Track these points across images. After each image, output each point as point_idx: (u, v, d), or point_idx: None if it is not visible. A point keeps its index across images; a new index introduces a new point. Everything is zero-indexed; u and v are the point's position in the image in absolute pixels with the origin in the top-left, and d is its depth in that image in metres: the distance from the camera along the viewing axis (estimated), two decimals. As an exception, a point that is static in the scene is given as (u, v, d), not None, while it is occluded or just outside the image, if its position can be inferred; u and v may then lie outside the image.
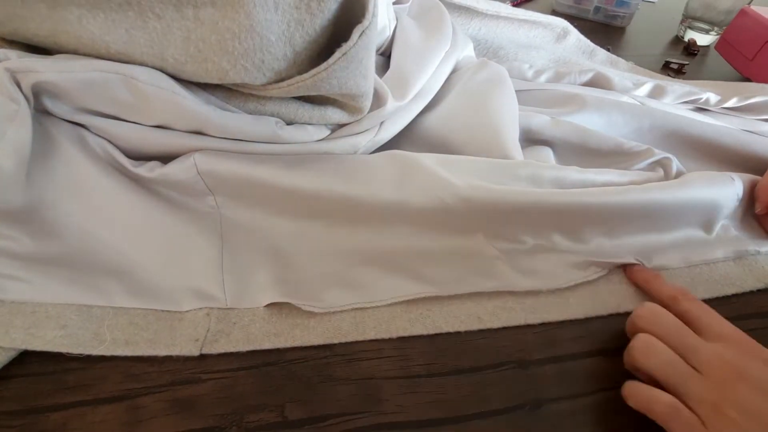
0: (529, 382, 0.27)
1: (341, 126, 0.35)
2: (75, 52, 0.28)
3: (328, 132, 0.35)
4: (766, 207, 0.31)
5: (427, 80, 0.39)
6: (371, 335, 0.29)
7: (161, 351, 0.27)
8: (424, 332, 0.29)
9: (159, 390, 0.26)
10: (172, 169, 0.31)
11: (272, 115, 0.32)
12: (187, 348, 0.27)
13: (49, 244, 0.28)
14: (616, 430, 0.26)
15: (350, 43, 0.28)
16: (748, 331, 0.25)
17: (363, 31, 0.28)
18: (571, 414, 0.26)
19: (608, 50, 0.58)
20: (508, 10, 0.50)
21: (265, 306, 0.29)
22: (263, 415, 0.25)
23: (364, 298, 0.30)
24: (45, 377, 0.25)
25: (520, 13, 0.52)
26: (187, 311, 0.29)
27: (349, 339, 0.28)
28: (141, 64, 0.28)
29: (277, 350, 0.28)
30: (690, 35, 0.65)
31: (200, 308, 0.29)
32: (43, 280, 0.28)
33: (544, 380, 0.27)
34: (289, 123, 0.34)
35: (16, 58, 0.28)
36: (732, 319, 0.26)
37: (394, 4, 0.46)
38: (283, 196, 0.32)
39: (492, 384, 0.27)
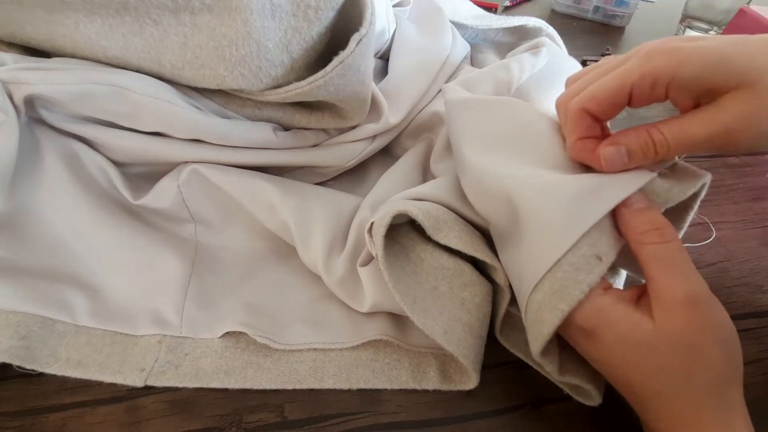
0: (529, 382, 0.27)
1: (338, 132, 0.35)
2: (72, 56, 0.28)
3: (326, 137, 0.35)
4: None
5: (420, 98, 0.39)
6: (329, 383, 0.26)
7: (108, 378, 0.25)
8: (388, 386, 0.27)
9: (158, 391, 0.26)
10: (158, 197, 0.31)
11: (270, 120, 0.33)
12: (132, 378, 0.25)
13: (22, 253, 0.28)
14: (616, 430, 0.26)
15: (348, 51, 0.28)
16: (745, 331, 0.25)
17: (360, 39, 0.28)
18: (571, 414, 0.26)
19: (607, 50, 0.58)
20: (499, 21, 0.49)
21: (221, 337, 0.28)
22: (263, 415, 0.25)
23: (326, 338, 0.28)
24: (44, 378, 0.26)
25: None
26: (141, 336, 0.27)
27: (305, 386, 0.26)
28: (138, 69, 0.28)
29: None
30: (689, 35, 0.65)
31: (153, 334, 0.27)
32: (7, 287, 0.26)
33: (544, 380, 0.27)
34: (286, 128, 0.34)
35: (12, 63, 0.28)
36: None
37: (394, 6, 0.46)
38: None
39: (492, 384, 0.27)
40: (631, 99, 0.22)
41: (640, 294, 0.22)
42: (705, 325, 0.20)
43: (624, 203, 0.22)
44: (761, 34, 0.21)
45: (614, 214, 0.22)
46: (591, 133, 0.24)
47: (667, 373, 0.20)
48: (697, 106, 0.22)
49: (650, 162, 0.22)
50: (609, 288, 0.22)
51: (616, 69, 0.23)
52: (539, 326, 0.22)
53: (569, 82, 0.26)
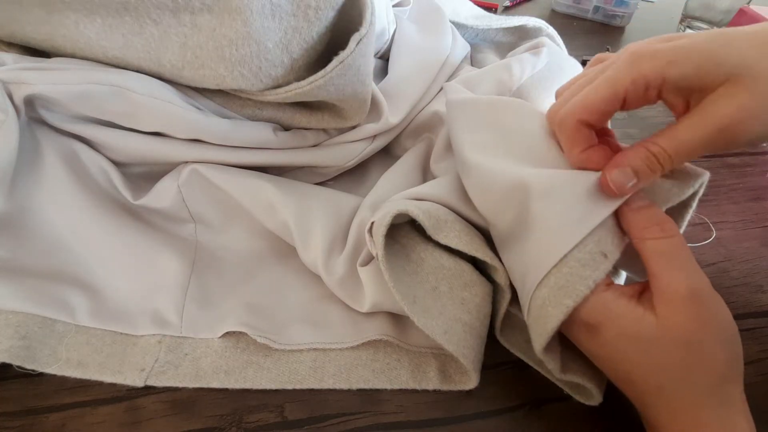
0: (529, 382, 0.27)
1: (338, 132, 0.35)
2: (72, 56, 0.28)
3: (326, 137, 0.35)
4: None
5: (420, 98, 0.39)
6: (329, 383, 0.26)
7: (108, 378, 0.25)
8: (388, 386, 0.27)
9: (158, 391, 0.26)
10: (158, 197, 0.31)
11: (270, 120, 0.33)
12: (132, 378, 0.25)
13: (22, 253, 0.28)
14: (616, 430, 0.26)
15: (347, 51, 0.28)
16: (745, 331, 0.25)
17: (360, 39, 0.28)
18: (571, 414, 0.26)
19: (607, 50, 0.58)
20: (499, 21, 0.49)
21: (221, 337, 0.27)
22: (263, 415, 0.25)
23: (326, 338, 0.28)
24: (44, 378, 0.26)
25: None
26: (141, 336, 0.27)
27: (305, 386, 0.26)
28: (137, 69, 0.28)
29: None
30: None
31: (153, 334, 0.27)
32: (7, 287, 0.26)
33: (544, 380, 0.27)
34: (286, 128, 0.34)
35: (12, 63, 0.28)
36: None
37: (394, 6, 0.46)
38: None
39: (492, 384, 0.27)
40: (624, 104, 0.22)
41: (642, 290, 0.22)
42: (707, 321, 0.20)
43: (626, 202, 0.22)
44: (742, 27, 0.21)
45: (617, 214, 0.23)
46: (590, 143, 0.24)
47: (669, 368, 0.20)
48: (688, 105, 0.22)
49: (658, 175, 0.22)
50: (611, 284, 0.22)
51: (602, 76, 0.22)
52: (543, 322, 0.22)
53: (557, 94, 0.26)
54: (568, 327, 0.23)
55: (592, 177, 0.23)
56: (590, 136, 0.24)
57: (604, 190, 0.22)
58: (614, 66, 0.22)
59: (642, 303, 0.21)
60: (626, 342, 0.21)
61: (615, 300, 0.21)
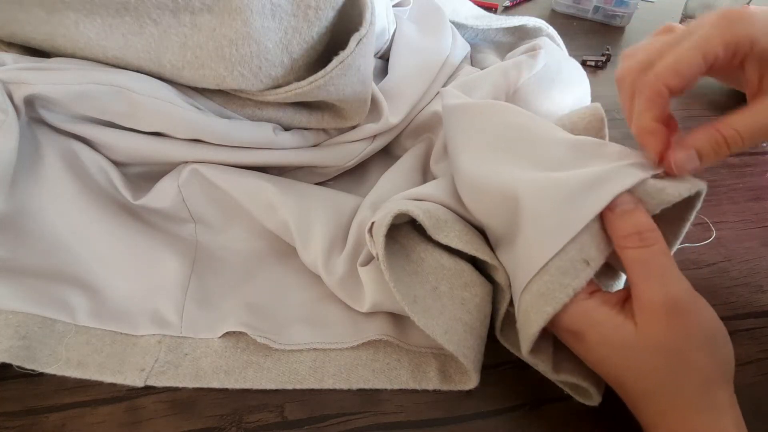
0: (529, 382, 0.27)
1: (338, 132, 0.35)
2: (72, 56, 0.28)
3: (326, 137, 0.35)
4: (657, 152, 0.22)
5: (420, 98, 0.39)
6: (329, 383, 0.26)
7: (108, 378, 0.25)
8: (388, 386, 0.27)
9: (158, 391, 0.26)
10: (158, 197, 0.31)
11: (270, 120, 0.33)
12: (132, 378, 0.25)
13: (22, 253, 0.28)
14: (616, 430, 0.26)
15: (347, 51, 0.28)
16: (745, 331, 0.25)
17: (360, 39, 0.28)
18: (571, 414, 0.26)
19: (607, 50, 0.58)
20: (498, 21, 0.49)
21: (221, 337, 0.27)
22: (263, 415, 0.25)
23: (326, 338, 0.28)
24: (44, 378, 0.26)
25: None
26: (141, 336, 0.27)
27: (305, 386, 0.26)
28: (138, 69, 0.28)
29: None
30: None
31: (153, 334, 0.27)
32: (7, 287, 0.26)
33: (544, 380, 0.27)
34: (286, 128, 0.34)
35: (12, 63, 0.28)
36: (729, 319, 0.26)
37: (394, 6, 0.46)
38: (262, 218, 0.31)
39: (492, 384, 0.27)
40: (710, 69, 0.21)
41: (626, 297, 0.22)
42: (685, 330, 0.20)
43: (609, 206, 0.22)
44: None
45: (602, 217, 0.22)
46: (665, 113, 0.22)
47: (651, 374, 0.20)
48: (762, 82, 0.21)
49: (721, 159, 0.21)
50: (596, 291, 0.22)
51: (688, 39, 0.21)
52: (527, 327, 0.23)
53: (626, 56, 0.24)
54: (557, 332, 0.23)
55: (577, 182, 0.22)
56: (667, 105, 0.22)
57: (665, 167, 0.22)
58: (704, 28, 0.21)
59: (624, 311, 0.21)
60: (609, 349, 0.21)
61: (596, 308, 0.21)
